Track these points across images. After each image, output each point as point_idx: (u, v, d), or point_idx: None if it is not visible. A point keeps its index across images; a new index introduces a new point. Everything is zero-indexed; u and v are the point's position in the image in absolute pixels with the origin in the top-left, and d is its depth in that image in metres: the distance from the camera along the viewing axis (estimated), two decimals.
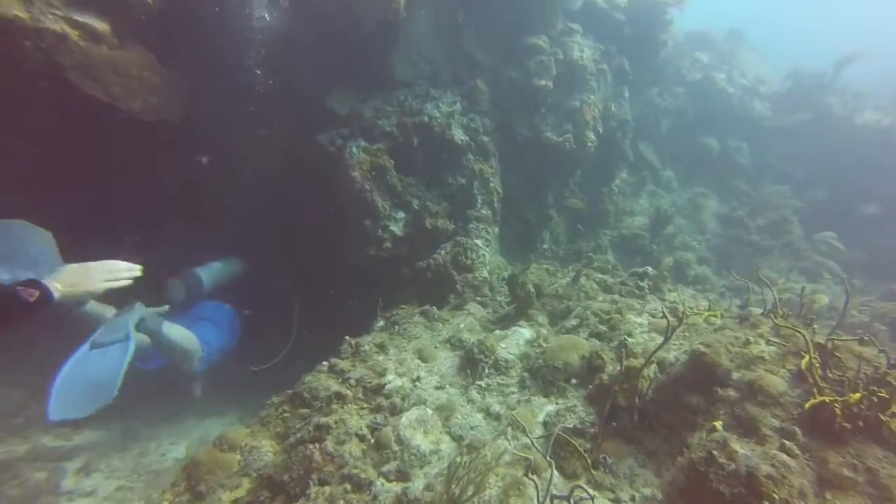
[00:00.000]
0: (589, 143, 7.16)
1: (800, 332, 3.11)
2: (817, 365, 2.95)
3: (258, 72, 5.90)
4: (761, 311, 3.80)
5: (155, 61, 5.28)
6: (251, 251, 6.64)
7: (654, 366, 3.40)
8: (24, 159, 5.18)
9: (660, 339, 3.80)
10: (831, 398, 2.70)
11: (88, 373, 3.74)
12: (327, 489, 2.68)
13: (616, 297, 4.65)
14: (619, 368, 3.30)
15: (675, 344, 3.65)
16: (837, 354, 3.02)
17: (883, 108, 10.48)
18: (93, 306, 4.36)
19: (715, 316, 4.13)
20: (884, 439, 2.58)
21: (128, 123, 5.17)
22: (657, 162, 9.75)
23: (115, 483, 4.53)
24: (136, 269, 2.07)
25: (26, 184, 5.11)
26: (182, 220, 6.31)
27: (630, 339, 3.73)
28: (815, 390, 2.83)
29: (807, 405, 2.75)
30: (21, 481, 4.30)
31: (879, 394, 2.61)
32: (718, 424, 2.63)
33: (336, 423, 3.19)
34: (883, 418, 2.59)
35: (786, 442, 2.57)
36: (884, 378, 2.71)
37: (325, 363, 3.86)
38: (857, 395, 2.65)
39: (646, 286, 4.79)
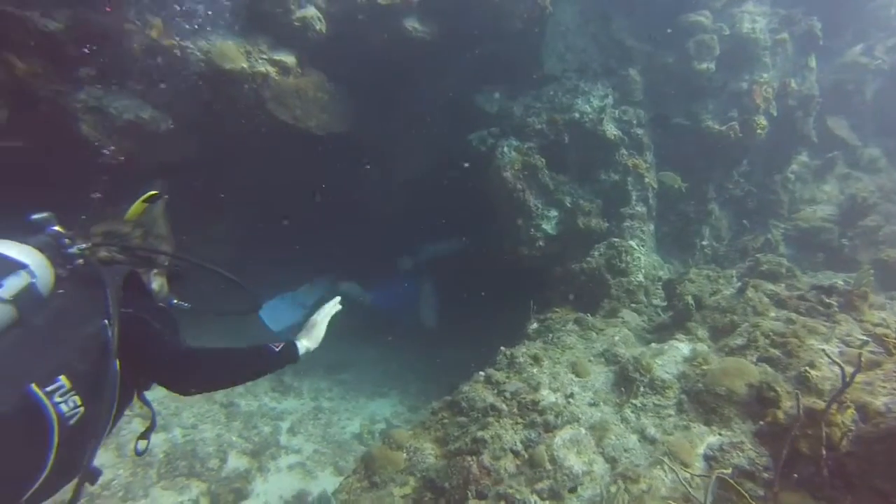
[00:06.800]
0: (758, 130, 6.35)
1: None
2: None
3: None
4: None
5: (326, 81, 5.92)
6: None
7: (850, 411, 3.03)
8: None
9: (857, 376, 3.38)
10: None
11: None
12: (483, 503, 2.95)
13: (793, 315, 4.13)
14: (797, 407, 3.03)
15: (885, 387, 3.18)
16: None
17: None
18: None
19: None
20: None
21: (302, 138, 5.90)
22: (854, 138, 8.29)
23: (312, 446, 5.63)
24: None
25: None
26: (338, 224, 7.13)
27: (813, 372, 3.35)
28: None
29: None
30: (258, 431, 5.64)
31: None
32: None
33: (492, 437, 3.41)
34: None
35: None
36: None
37: (481, 373, 4.02)
38: None
39: (834, 303, 4.16)
